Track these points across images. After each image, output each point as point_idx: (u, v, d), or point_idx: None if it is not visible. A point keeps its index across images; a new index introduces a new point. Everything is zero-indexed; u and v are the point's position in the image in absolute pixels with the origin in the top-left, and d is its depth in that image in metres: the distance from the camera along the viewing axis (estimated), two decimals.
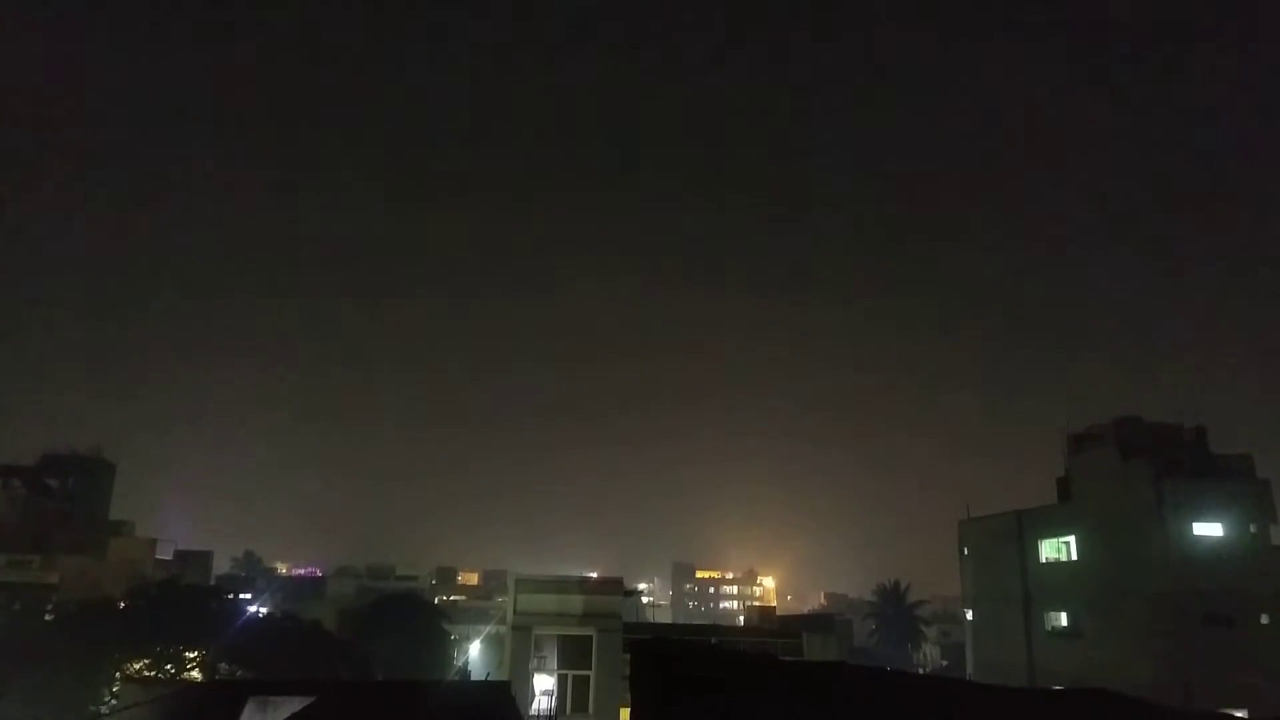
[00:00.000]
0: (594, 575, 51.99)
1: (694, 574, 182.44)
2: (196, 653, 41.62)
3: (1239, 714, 29.84)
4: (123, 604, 46.55)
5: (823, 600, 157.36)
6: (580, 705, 32.29)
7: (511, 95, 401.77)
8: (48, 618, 50.24)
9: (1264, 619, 38.53)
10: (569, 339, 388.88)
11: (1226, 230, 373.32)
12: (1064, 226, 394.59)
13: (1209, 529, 39.98)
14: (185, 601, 47.23)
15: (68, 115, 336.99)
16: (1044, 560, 47.17)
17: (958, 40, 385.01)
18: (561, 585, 36.65)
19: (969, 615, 54.25)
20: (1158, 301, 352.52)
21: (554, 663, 33.16)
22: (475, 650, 64.79)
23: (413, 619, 58.53)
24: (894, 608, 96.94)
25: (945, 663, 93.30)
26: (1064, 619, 45.34)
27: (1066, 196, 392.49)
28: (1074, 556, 45.38)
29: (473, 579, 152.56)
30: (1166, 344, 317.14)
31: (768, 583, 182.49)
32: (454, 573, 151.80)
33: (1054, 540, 46.88)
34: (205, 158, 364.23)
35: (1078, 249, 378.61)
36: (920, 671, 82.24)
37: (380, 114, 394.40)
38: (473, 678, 53.44)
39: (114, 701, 37.06)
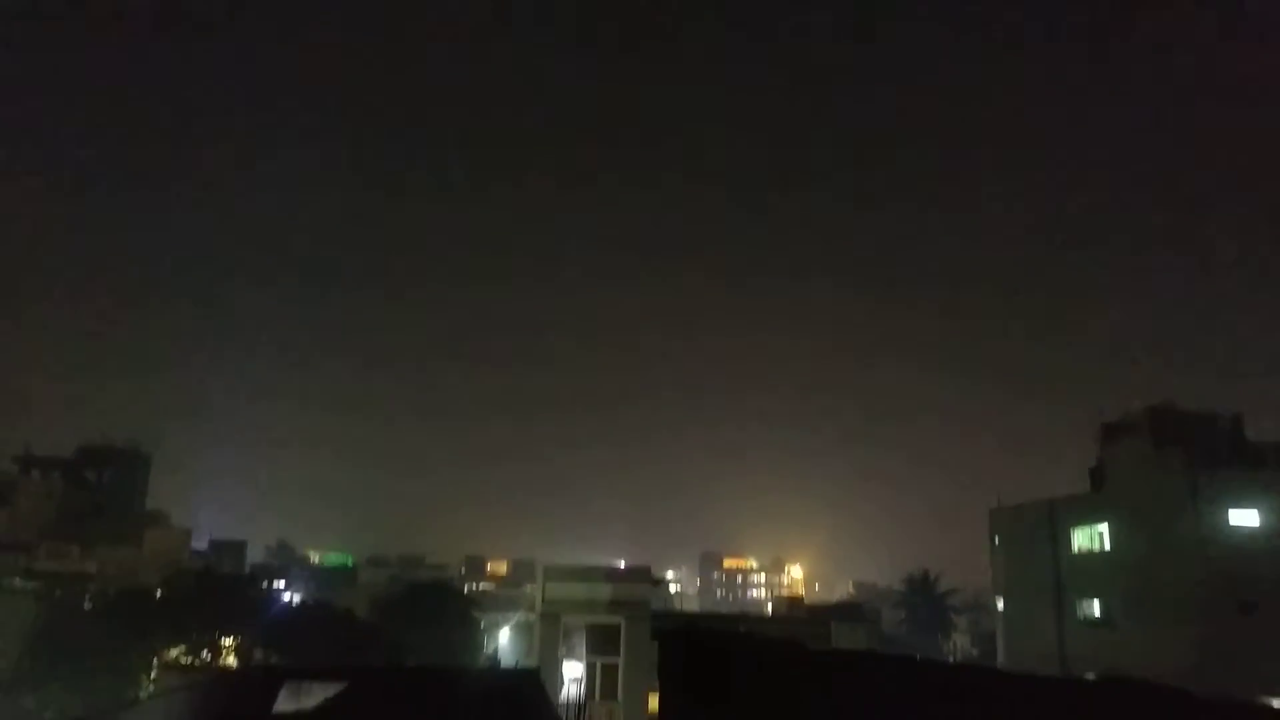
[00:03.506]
0: (621, 564, 52.15)
1: (721, 563, 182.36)
2: (232, 640, 42.37)
3: (1276, 703, 29.43)
4: (160, 593, 47.42)
5: (850, 589, 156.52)
6: (609, 692, 32.50)
7: (512, 90, 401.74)
8: (87, 606, 51.28)
9: None
10: (602, 330, 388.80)
11: (1262, 214, 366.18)
12: (1097, 213, 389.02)
13: (1245, 518, 39.38)
14: (221, 590, 48.07)
15: (107, 105, 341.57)
16: (1076, 550, 46.71)
17: (960, 33, 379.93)
18: (589, 574, 36.92)
19: (1000, 605, 53.86)
20: (1192, 288, 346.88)
21: (582, 651, 33.39)
22: (504, 638, 65.37)
23: (443, 607, 58.96)
24: (923, 597, 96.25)
25: (976, 652, 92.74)
26: (1096, 608, 44.88)
27: (1103, 184, 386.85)
28: (1107, 546, 44.89)
29: (502, 568, 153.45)
30: (1201, 331, 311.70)
31: (795, 572, 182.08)
32: (483, 562, 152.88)
33: (1087, 529, 46.39)
34: (239, 147, 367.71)
35: (1110, 236, 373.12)
36: (950, 660, 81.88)
37: (386, 111, 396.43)
38: (502, 665, 53.89)
39: (153, 688, 37.85)
